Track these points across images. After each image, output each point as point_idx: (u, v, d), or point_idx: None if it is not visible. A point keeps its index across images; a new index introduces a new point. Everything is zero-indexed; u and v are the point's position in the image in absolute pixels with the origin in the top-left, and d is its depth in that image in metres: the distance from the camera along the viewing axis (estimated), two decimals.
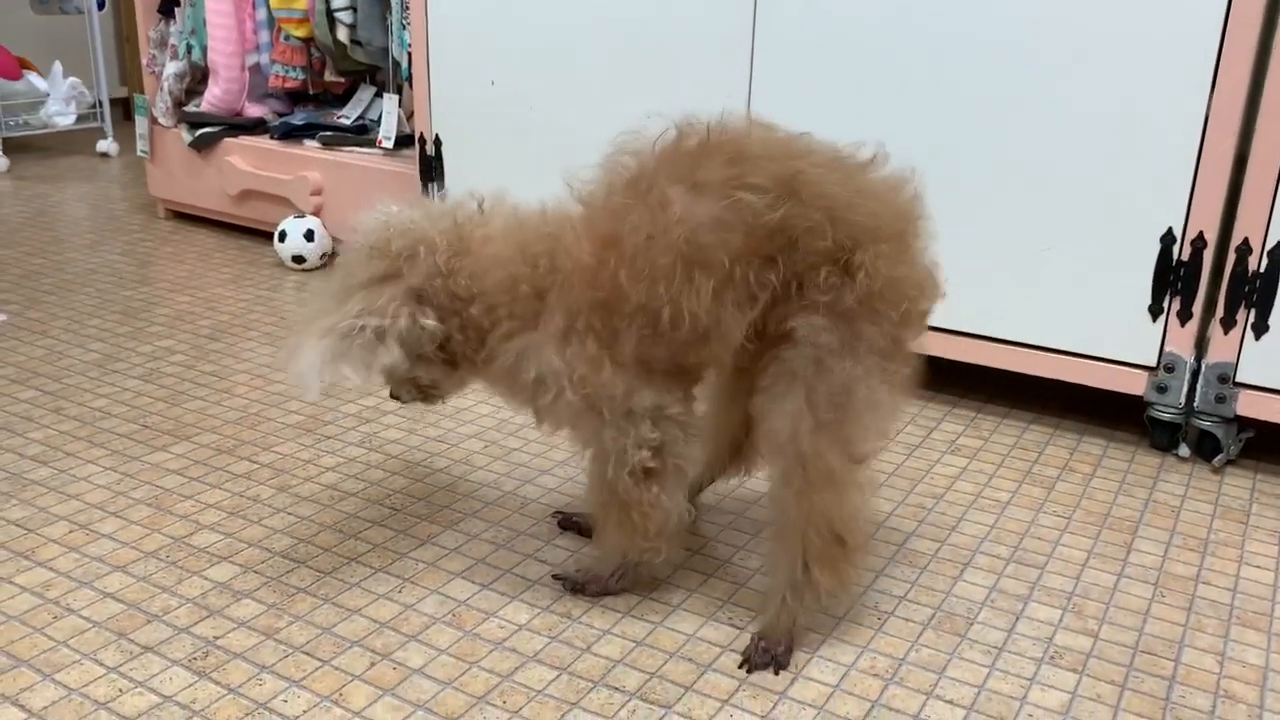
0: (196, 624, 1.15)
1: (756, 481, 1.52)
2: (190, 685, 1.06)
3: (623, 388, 1.09)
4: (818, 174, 1.04)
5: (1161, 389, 1.60)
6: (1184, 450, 1.63)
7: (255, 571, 1.26)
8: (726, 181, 1.03)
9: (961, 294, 1.69)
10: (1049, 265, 1.63)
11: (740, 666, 1.12)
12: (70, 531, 1.33)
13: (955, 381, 1.88)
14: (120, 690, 1.05)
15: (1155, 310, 1.58)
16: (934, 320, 1.68)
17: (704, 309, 1.04)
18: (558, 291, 1.09)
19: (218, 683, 1.06)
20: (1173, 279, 1.56)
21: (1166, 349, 1.59)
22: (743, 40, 1.78)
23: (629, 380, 1.09)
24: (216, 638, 1.13)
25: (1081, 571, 1.32)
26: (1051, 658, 1.15)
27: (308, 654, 1.11)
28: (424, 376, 1.19)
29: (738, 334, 1.07)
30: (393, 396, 1.26)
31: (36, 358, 1.88)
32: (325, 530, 1.35)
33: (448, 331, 1.14)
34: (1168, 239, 1.55)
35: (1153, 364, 1.60)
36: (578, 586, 1.24)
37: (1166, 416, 1.62)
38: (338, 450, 1.57)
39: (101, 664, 1.09)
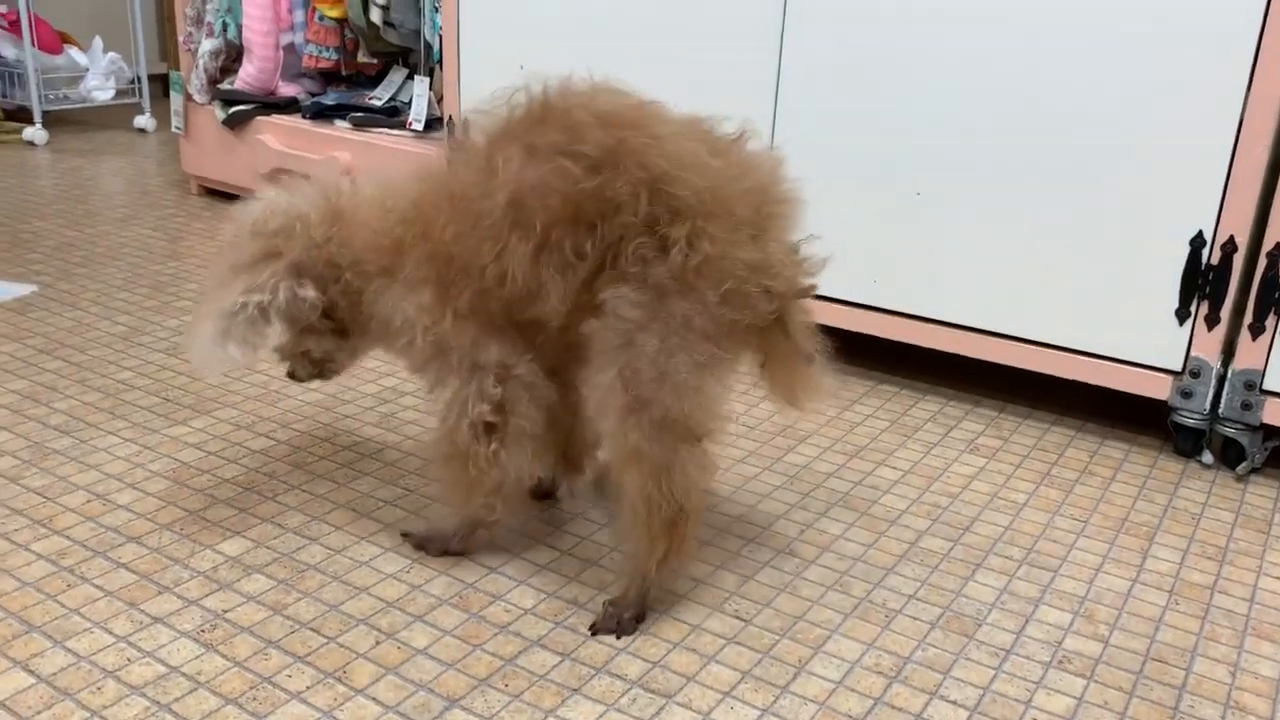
0: (206, 597, 1.17)
1: (769, 474, 1.51)
2: (197, 657, 1.07)
3: (469, 338, 1.13)
4: (641, 144, 1.04)
5: (1186, 394, 1.58)
6: (1207, 457, 1.61)
7: (267, 547, 1.27)
8: (554, 147, 1.04)
9: (987, 292, 1.68)
10: (1076, 266, 1.61)
11: (590, 629, 1.15)
12: (88, 501, 1.35)
13: (978, 380, 1.86)
14: (128, 659, 1.06)
15: (1182, 314, 1.56)
16: (960, 318, 1.69)
17: (523, 270, 1.06)
18: (408, 243, 1.14)
19: (224, 655, 1.07)
20: (1201, 283, 1.53)
21: (1193, 354, 1.56)
22: (772, 29, 1.76)
23: (474, 333, 1.13)
24: (225, 611, 1.14)
25: (1095, 576, 1.30)
26: (1060, 662, 1.14)
27: (314, 630, 1.12)
28: (315, 349, 1.26)
29: (559, 298, 1.08)
30: (290, 375, 1.32)
31: (65, 329, 1.90)
32: (338, 509, 1.36)
33: (330, 299, 1.19)
34: (1197, 242, 1.52)
35: (1178, 369, 1.58)
36: (420, 544, 1.28)
37: (1191, 422, 1.59)
38: (355, 430, 1.58)
39: (111, 633, 1.10)
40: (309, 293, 1.17)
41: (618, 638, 1.14)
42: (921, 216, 1.71)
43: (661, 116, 1.09)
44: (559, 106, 1.07)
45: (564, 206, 1.04)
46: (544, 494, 1.41)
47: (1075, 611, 1.23)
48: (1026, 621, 1.21)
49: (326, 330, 1.23)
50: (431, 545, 1.27)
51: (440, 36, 2.37)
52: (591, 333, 1.09)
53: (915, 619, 1.20)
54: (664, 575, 1.16)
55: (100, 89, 3.65)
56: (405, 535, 1.30)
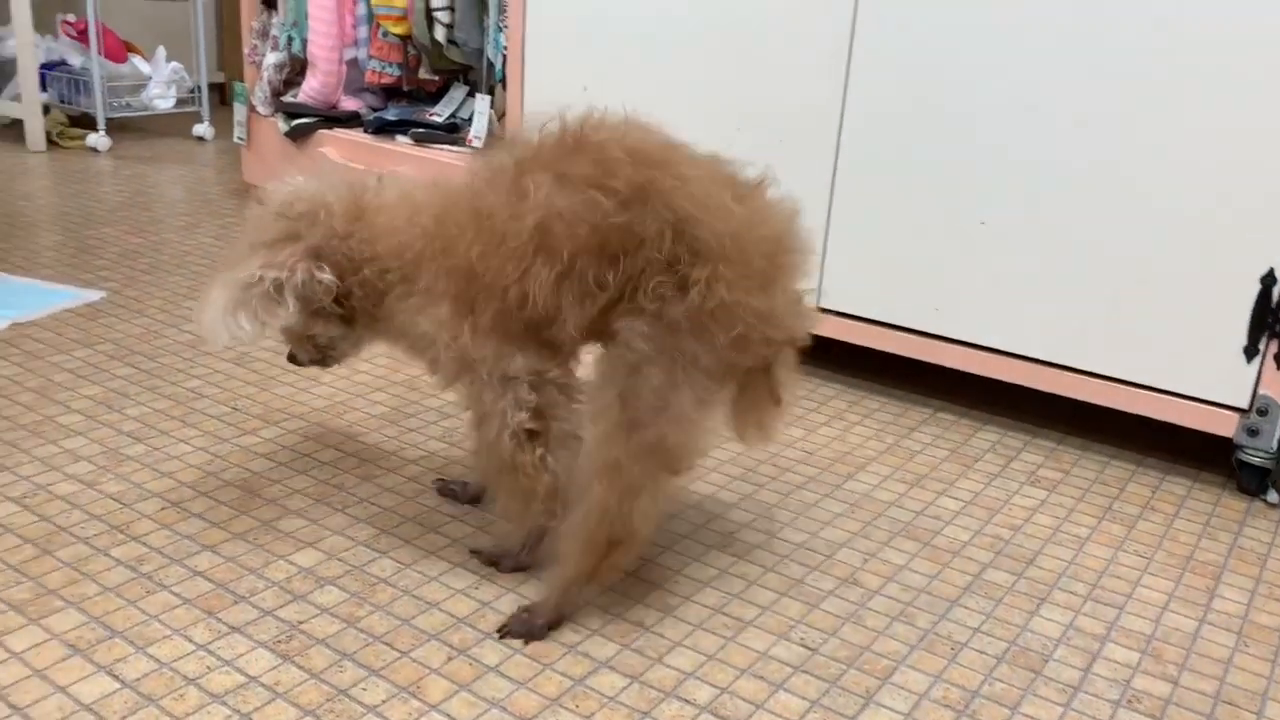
0: (282, 607, 1.19)
1: (829, 501, 1.52)
2: (275, 667, 1.09)
3: (492, 351, 1.14)
4: (670, 185, 1.07)
5: (1253, 432, 1.57)
6: (1273, 496, 1.60)
7: (338, 559, 1.29)
8: (586, 179, 1.07)
9: (1051, 324, 1.68)
10: (1143, 299, 1.61)
11: (498, 631, 1.17)
12: (163, 509, 1.37)
13: (1035, 410, 1.85)
14: (209, 667, 1.08)
15: (1250, 351, 1.55)
16: (1022, 348, 1.69)
17: (545, 295, 1.08)
18: (428, 256, 1.16)
19: (301, 667, 1.09)
20: (1271, 320, 1.52)
21: (1260, 391, 1.55)
22: (839, 57, 1.77)
23: (497, 345, 1.14)
24: (300, 622, 1.17)
25: (1161, 615, 1.30)
26: (1129, 701, 1.13)
27: (387, 644, 1.14)
28: (321, 334, 1.28)
29: (575, 324, 1.11)
30: (290, 359, 1.35)
31: (134, 336, 1.94)
32: (406, 522, 1.38)
33: (345, 288, 1.22)
34: (1268, 280, 1.51)
35: (1245, 406, 1.57)
36: (491, 560, 1.29)
37: (1256, 460, 1.58)
38: (420, 444, 1.60)
39: (191, 640, 1.12)
40: (326, 276, 1.20)
41: (526, 643, 1.16)
42: (985, 246, 1.72)
43: (688, 157, 1.12)
44: (592, 139, 1.09)
45: (591, 237, 1.07)
46: (472, 499, 1.44)
47: (1143, 650, 1.22)
48: (1094, 659, 1.20)
49: (334, 316, 1.26)
50: (503, 562, 1.29)
51: (503, 55, 2.41)
52: (602, 355, 1.12)
53: (981, 653, 1.20)
54: (582, 592, 1.19)
55: (162, 97, 3.72)
56: (474, 552, 1.31)
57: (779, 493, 1.53)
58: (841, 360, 2.03)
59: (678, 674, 1.13)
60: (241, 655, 1.11)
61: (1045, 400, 1.79)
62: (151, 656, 1.09)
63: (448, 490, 1.45)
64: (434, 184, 1.22)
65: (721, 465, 1.60)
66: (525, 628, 1.17)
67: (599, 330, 1.13)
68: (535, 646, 1.15)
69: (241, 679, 1.07)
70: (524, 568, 1.29)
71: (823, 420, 1.79)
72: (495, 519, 1.40)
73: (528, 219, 1.08)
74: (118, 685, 1.05)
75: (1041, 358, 1.71)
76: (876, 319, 1.85)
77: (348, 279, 1.21)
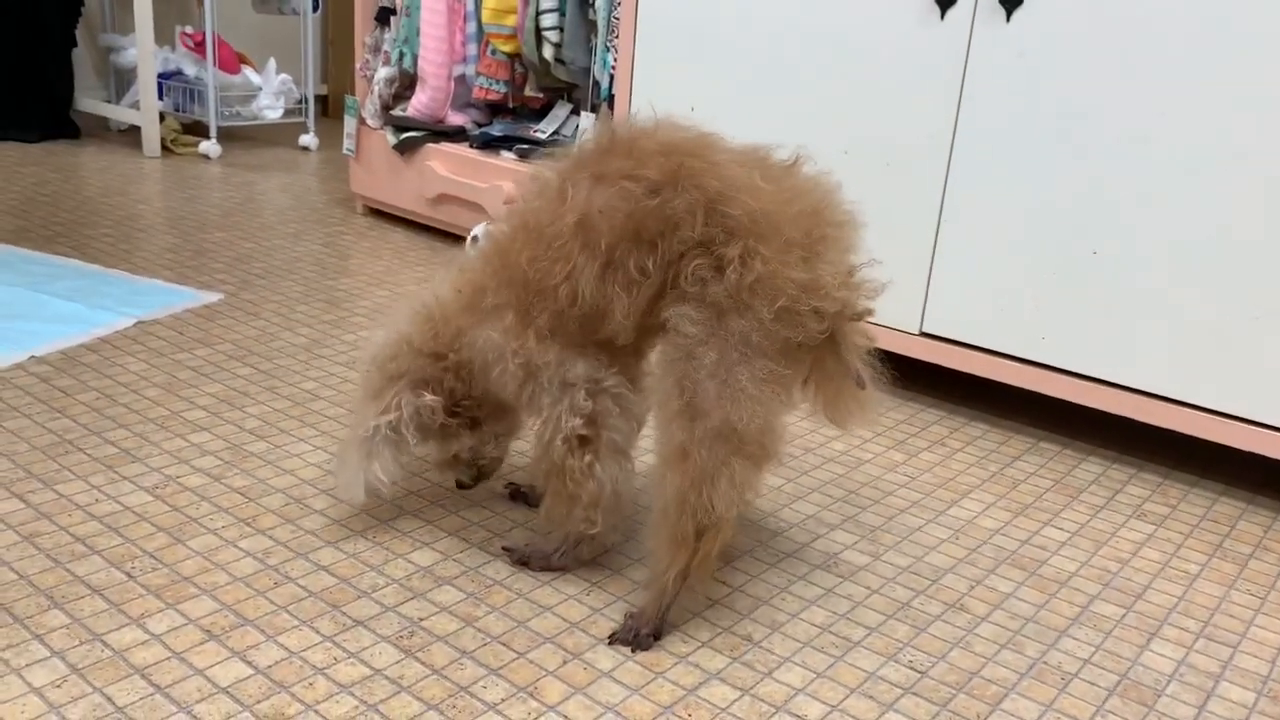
0: (402, 604, 1.23)
1: (933, 527, 1.52)
2: (398, 662, 1.13)
3: (554, 357, 1.20)
4: (698, 167, 1.11)
5: None
6: None
7: (454, 560, 1.33)
8: (619, 172, 1.13)
9: (1163, 357, 1.66)
10: (1258, 334, 1.58)
11: (608, 638, 1.20)
12: (286, 504, 1.43)
13: (1141, 443, 1.83)
14: (335, 659, 1.12)
15: None
16: (1132, 381, 1.67)
17: (591, 288, 1.14)
18: (488, 277, 1.24)
19: (423, 662, 1.13)
20: None
21: None
22: (952, 82, 1.78)
23: (559, 351, 1.20)
24: (421, 619, 1.20)
25: (1278, 656, 1.27)
26: None
27: (504, 644, 1.17)
28: (460, 449, 1.36)
29: (623, 313, 1.15)
30: (458, 486, 1.45)
31: (251, 337, 2.01)
32: (518, 527, 1.42)
33: (447, 390, 1.29)
34: None
35: None
36: (524, 559, 1.32)
37: None
38: (528, 450, 1.64)
39: (318, 632, 1.17)
40: (427, 398, 1.28)
41: (633, 651, 1.18)
42: (1096, 276, 1.70)
43: (718, 145, 1.17)
44: (624, 138, 1.17)
45: (627, 224, 1.13)
46: (532, 501, 1.47)
47: (1259, 691, 1.20)
48: (1208, 697, 1.19)
49: (461, 427, 1.34)
50: (534, 560, 1.32)
51: (610, 74, 2.45)
52: (660, 348, 1.16)
53: (1092, 684, 1.19)
54: (683, 591, 1.20)
55: (271, 108, 3.85)
56: (507, 549, 1.35)
57: (882, 516, 1.54)
58: (943, 386, 2.03)
59: (788, 689, 1.14)
60: (366, 648, 1.15)
61: (1151, 433, 1.77)
62: (281, 645, 1.14)
63: (518, 494, 1.49)
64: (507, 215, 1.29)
65: (824, 486, 1.61)
66: (631, 635, 1.20)
67: (652, 324, 1.17)
68: (646, 655, 1.17)
69: (367, 671, 1.11)
70: (557, 569, 1.32)
71: (924, 445, 1.79)
72: (538, 518, 1.43)
73: (568, 218, 1.15)
74: (251, 671, 1.09)
75: (1151, 390, 1.69)
76: (981, 345, 1.84)
77: (446, 380, 1.30)
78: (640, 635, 1.19)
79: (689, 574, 1.18)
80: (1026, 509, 1.60)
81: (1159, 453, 1.82)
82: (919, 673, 1.19)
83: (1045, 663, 1.23)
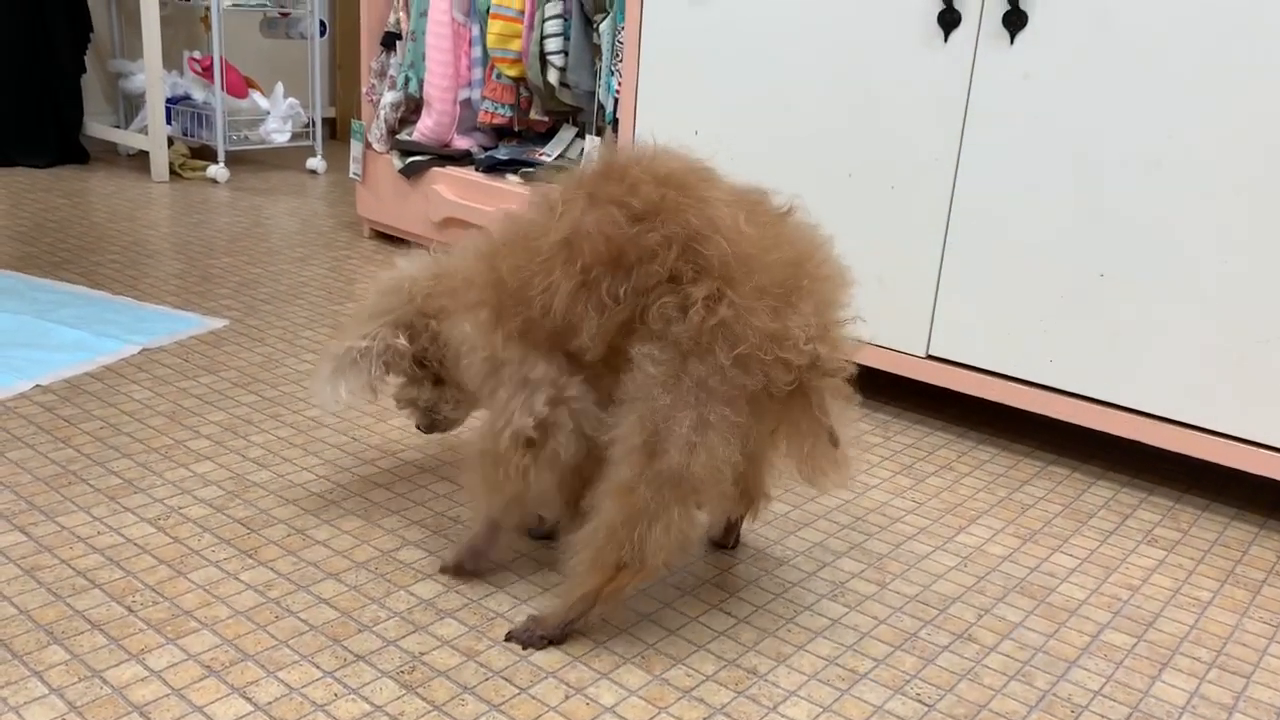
0: (404, 638, 1.22)
1: (941, 554, 1.50)
2: (399, 697, 1.12)
3: (517, 354, 1.22)
4: (680, 202, 1.12)
5: None
6: None
7: (457, 592, 1.32)
8: (610, 197, 1.14)
9: (1173, 380, 1.64)
10: (1266, 357, 1.57)
11: (506, 635, 1.23)
12: (288, 535, 1.42)
13: (1151, 467, 1.81)
14: (336, 694, 1.11)
15: None
16: (1141, 404, 1.65)
17: (563, 304, 1.15)
18: (476, 275, 1.27)
19: (424, 698, 1.12)
20: None
21: None
22: (957, 103, 1.78)
23: (525, 350, 1.22)
24: (422, 653, 1.19)
25: None
26: None
27: (506, 679, 1.16)
28: (419, 397, 1.40)
29: (590, 335, 1.16)
30: (417, 426, 1.46)
31: (255, 364, 2.01)
32: (521, 557, 1.41)
33: (421, 347, 1.34)
34: None
35: None
36: (456, 570, 1.35)
37: None
38: None
39: (319, 667, 1.16)
40: (400, 342, 1.33)
41: (523, 649, 1.21)
42: (1104, 298, 1.69)
43: (713, 180, 1.18)
44: (620, 163, 1.18)
45: (608, 249, 1.13)
46: (545, 535, 1.46)
47: None
48: None
49: (426, 379, 1.38)
50: (466, 563, 1.35)
51: (614, 98, 2.45)
52: (624, 381, 1.16)
53: (1103, 716, 1.18)
54: (584, 614, 1.21)
55: (278, 131, 3.86)
56: (444, 569, 1.37)
57: (889, 543, 1.52)
58: (951, 410, 2.01)
59: None
60: (367, 684, 1.14)
61: (1161, 456, 1.75)
62: (282, 681, 1.13)
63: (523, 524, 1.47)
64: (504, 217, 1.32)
65: (830, 513, 1.60)
66: (527, 636, 1.22)
67: (619, 354, 1.18)
68: (651, 690, 1.16)
69: (368, 707, 1.10)
70: (478, 570, 1.36)
71: (932, 470, 1.77)
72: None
73: (555, 235, 1.16)
74: (251, 708, 1.09)
75: (1161, 414, 1.67)
76: (988, 369, 1.83)
77: (421, 337, 1.34)
78: (535, 637, 1.22)
79: (598, 600, 1.19)
80: (1035, 535, 1.58)
81: (1169, 477, 1.80)
82: (927, 705, 1.17)
83: (1055, 695, 1.21)
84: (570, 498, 1.33)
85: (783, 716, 1.13)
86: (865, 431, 1.90)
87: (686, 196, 1.13)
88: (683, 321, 1.11)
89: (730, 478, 1.15)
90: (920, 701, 1.18)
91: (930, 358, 1.89)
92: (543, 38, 2.56)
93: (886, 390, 2.08)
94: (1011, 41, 1.71)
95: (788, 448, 1.24)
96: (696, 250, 1.11)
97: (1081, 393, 1.74)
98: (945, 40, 1.77)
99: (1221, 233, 1.58)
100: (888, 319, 1.92)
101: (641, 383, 1.13)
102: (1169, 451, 1.70)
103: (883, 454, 1.82)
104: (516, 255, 1.21)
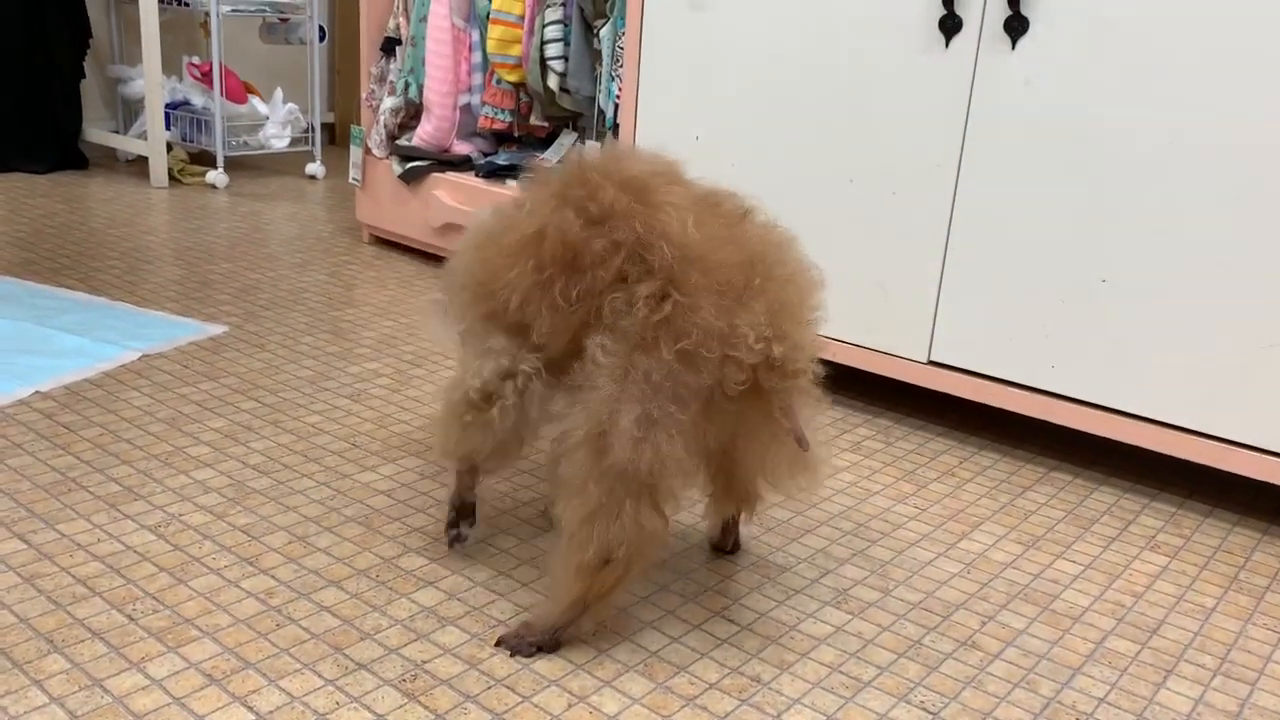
0: (405, 646, 1.21)
1: (944, 560, 1.50)
2: (400, 706, 1.11)
3: (481, 327, 1.29)
4: (629, 208, 1.16)
5: None
6: None
7: (458, 599, 1.31)
8: (576, 200, 1.18)
9: (1177, 385, 1.64)
10: (1270, 362, 1.57)
11: (496, 641, 1.23)
12: (289, 542, 1.41)
13: (1154, 472, 1.81)
14: (337, 703, 1.11)
15: None
16: (1144, 409, 1.65)
17: (519, 299, 1.20)
18: (469, 262, 1.33)
19: (426, 707, 1.11)
20: None
21: None
22: (958, 108, 1.77)
23: (485, 324, 1.29)
24: (424, 662, 1.19)
25: None
26: None
27: (509, 688, 1.15)
28: None
29: (541, 333, 1.21)
30: None
31: (256, 370, 2.00)
32: (523, 565, 1.40)
33: None
34: None
35: None
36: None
37: None
38: (534, 485, 1.63)
39: (320, 675, 1.15)
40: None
41: (510, 655, 1.21)
42: (1106, 304, 1.69)
43: (674, 182, 1.20)
44: (584, 165, 1.22)
45: (565, 251, 1.17)
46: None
47: None
48: None
49: None
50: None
51: (615, 104, 2.45)
52: (576, 370, 1.18)
53: None
54: (574, 620, 1.21)
55: (278, 137, 3.86)
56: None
57: (892, 550, 1.52)
58: (952, 415, 2.01)
59: None
60: (369, 692, 1.13)
61: (1163, 462, 1.75)
62: (283, 690, 1.12)
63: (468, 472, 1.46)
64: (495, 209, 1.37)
65: (832, 519, 1.60)
66: (517, 642, 1.22)
67: (576, 350, 1.19)
68: (655, 698, 1.16)
69: (370, 716, 1.09)
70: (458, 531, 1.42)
71: (934, 476, 1.77)
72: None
73: (519, 234, 1.21)
74: (253, 717, 1.08)
75: (1164, 420, 1.67)
76: (989, 374, 1.83)
77: None
78: (525, 644, 1.22)
79: (586, 604, 1.19)
80: (1038, 541, 1.57)
81: (1172, 482, 1.79)
82: (931, 713, 1.17)
83: (1059, 702, 1.20)
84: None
85: None
86: (867, 437, 1.90)
87: (641, 202, 1.16)
88: (630, 315, 1.13)
89: (680, 475, 1.15)
90: (925, 709, 1.17)
91: (932, 363, 1.88)
92: (543, 43, 2.56)
93: (888, 396, 2.08)
94: (1013, 47, 1.71)
95: (746, 450, 1.24)
96: (640, 254, 1.14)
97: (1084, 398, 1.74)
98: (946, 46, 1.77)
99: (1223, 237, 1.58)
100: (889, 325, 1.91)
101: (591, 372, 1.15)
102: (1171, 457, 1.69)
103: (884, 460, 1.81)
104: (488, 248, 1.27)
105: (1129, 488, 1.77)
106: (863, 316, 1.94)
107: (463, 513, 1.41)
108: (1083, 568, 1.51)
